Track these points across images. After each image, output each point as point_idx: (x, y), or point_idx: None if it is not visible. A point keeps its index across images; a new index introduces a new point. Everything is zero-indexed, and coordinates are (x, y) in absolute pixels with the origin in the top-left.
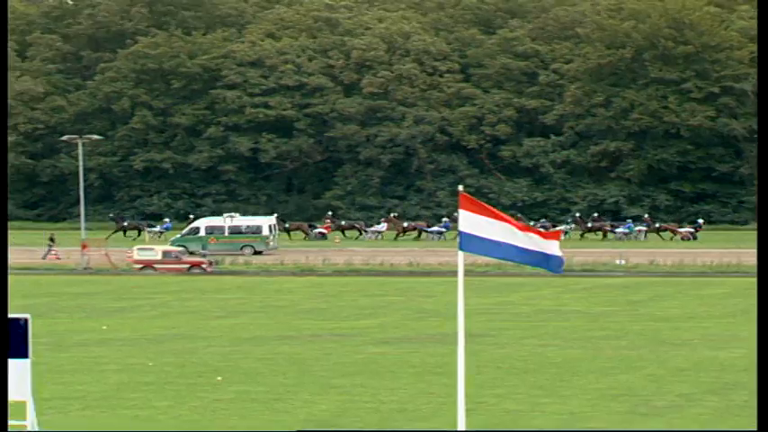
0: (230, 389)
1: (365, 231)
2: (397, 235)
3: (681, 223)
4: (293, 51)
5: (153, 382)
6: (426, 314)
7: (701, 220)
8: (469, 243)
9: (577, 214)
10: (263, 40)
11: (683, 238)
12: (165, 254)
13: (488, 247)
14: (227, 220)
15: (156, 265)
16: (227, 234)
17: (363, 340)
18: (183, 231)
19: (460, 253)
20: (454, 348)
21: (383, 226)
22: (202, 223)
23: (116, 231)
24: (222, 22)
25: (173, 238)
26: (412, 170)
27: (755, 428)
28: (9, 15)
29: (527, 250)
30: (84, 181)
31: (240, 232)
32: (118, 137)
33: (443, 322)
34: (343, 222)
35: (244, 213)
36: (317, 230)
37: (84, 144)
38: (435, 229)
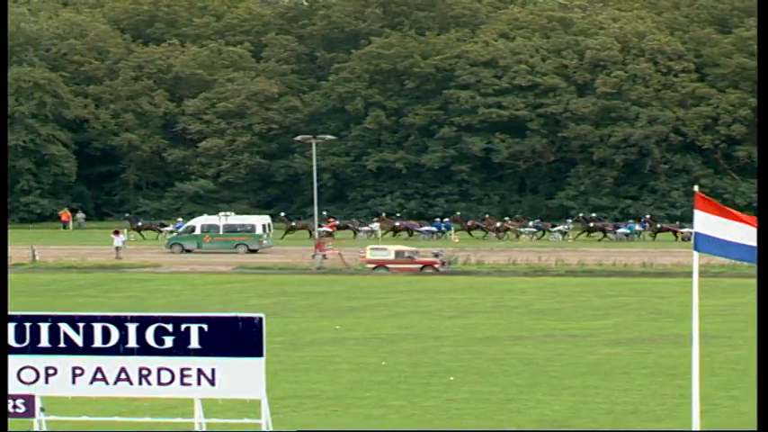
0: (463, 389)
1: (358, 231)
2: (385, 233)
3: (682, 223)
4: (527, 51)
5: (385, 381)
6: (660, 315)
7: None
8: (704, 243)
9: (580, 214)
10: (496, 40)
11: (684, 239)
12: (398, 254)
13: (723, 247)
14: (221, 219)
15: (388, 265)
16: (221, 233)
17: (596, 341)
18: (180, 229)
19: (695, 254)
20: (688, 350)
21: (376, 225)
22: (198, 222)
23: (131, 231)
24: (456, 22)
25: (169, 236)
26: (645, 170)
27: (755, 428)
28: (245, 16)
29: None
30: (318, 181)
31: (235, 231)
32: (351, 137)
33: (677, 323)
34: (337, 222)
35: (476, 213)
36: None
37: (317, 144)
38: (425, 228)
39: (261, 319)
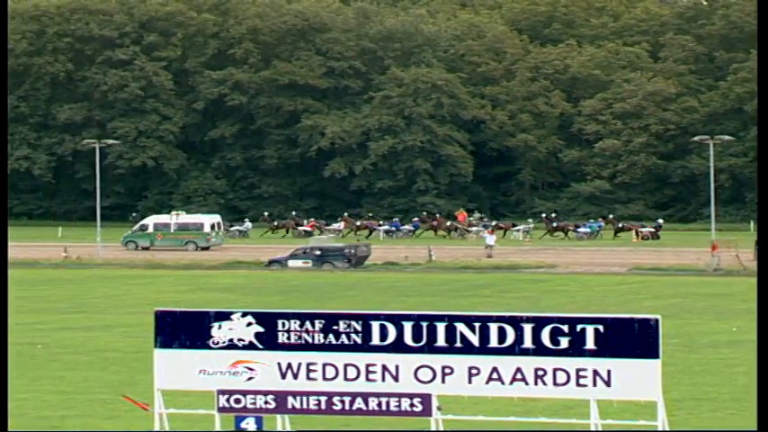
0: None
1: (323, 230)
2: (350, 232)
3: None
4: None
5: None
6: None
7: (660, 220)
8: None
9: (543, 214)
10: None
11: (643, 238)
12: None
13: None
14: (173, 218)
15: None
16: (172, 231)
17: None
18: (134, 228)
19: None
20: None
21: (340, 224)
22: (151, 220)
23: None
24: None
25: (124, 234)
26: None
27: (755, 428)
28: (643, 17)
29: None
30: (715, 182)
31: (186, 229)
32: (749, 138)
33: None
34: (317, 223)
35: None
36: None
37: (714, 145)
38: (385, 228)
39: (657, 320)
